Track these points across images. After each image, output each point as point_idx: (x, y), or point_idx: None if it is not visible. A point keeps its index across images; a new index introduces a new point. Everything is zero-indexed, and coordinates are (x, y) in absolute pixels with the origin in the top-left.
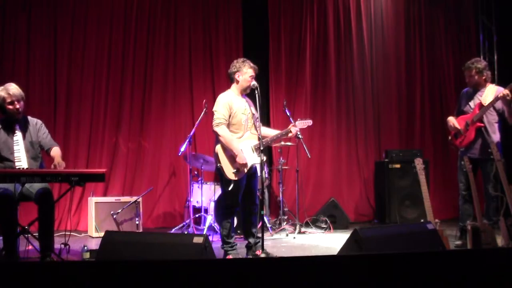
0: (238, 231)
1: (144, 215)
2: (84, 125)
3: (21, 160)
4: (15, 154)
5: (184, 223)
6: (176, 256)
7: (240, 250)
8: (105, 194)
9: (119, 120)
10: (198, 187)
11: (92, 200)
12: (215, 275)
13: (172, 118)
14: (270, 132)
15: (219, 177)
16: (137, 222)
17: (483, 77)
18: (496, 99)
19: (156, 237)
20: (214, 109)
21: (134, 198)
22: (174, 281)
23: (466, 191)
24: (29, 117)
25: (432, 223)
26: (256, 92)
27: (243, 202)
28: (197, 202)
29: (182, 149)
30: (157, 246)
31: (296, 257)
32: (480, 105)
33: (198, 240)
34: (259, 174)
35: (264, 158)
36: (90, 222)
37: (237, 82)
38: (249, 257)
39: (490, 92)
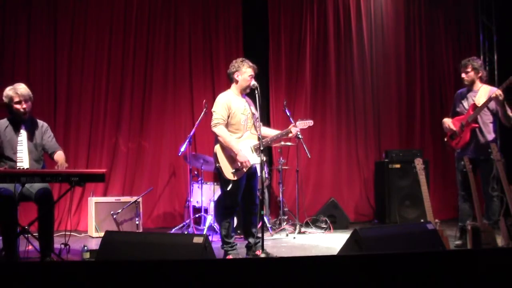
0: (238, 231)
1: (144, 215)
2: (84, 125)
3: (23, 161)
4: (18, 155)
5: (184, 223)
6: (176, 256)
7: (240, 250)
8: (105, 194)
9: (119, 120)
10: (198, 187)
11: (92, 200)
12: (215, 275)
13: (172, 118)
14: (270, 132)
15: (218, 177)
16: (137, 222)
17: (479, 75)
18: (489, 99)
19: (156, 237)
20: (212, 109)
21: (134, 198)
22: (174, 281)
23: (464, 191)
24: (37, 119)
25: (432, 223)
26: (256, 92)
27: (243, 202)
28: (197, 202)
29: (182, 149)
30: (157, 246)
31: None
32: (474, 106)
33: (198, 240)
34: (259, 174)
35: (264, 158)
36: (90, 222)
37: (236, 82)
38: (249, 257)
39: (483, 93)
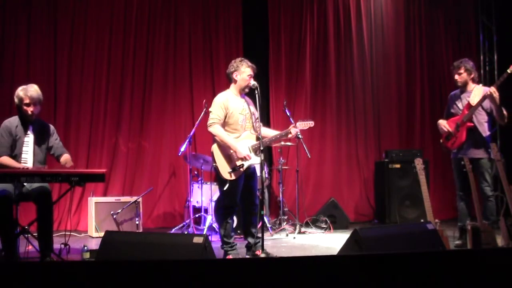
0: (238, 231)
1: (144, 215)
2: (84, 125)
3: (28, 162)
4: (23, 155)
5: (184, 223)
6: (176, 256)
7: (240, 250)
8: (105, 194)
9: (119, 120)
10: (198, 187)
11: (92, 200)
12: (215, 275)
13: (172, 118)
14: (269, 133)
15: (216, 176)
16: (137, 222)
17: (471, 76)
18: (484, 97)
19: (156, 237)
20: (210, 109)
21: (134, 198)
22: (174, 281)
23: (462, 191)
24: (44, 122)
25: (432, 223)
26: (256, 92)
27: (243, 202)
28: (197, 202)
29: (182, 149)
30: (157, 246)
31: (296, 257)
32: (469, 106)
33: (198, 240)
34: (258, 174)
35: (262, 156)
36: (90, 222)
37: (235, 81)
38: (249, 257)
39: (477, 93)
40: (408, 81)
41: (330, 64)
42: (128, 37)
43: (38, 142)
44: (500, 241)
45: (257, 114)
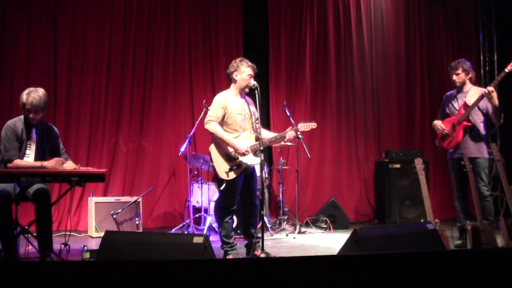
0: (238, 231)
1: (144, 215)
2: (84, 125)
3: None
4: (25, 159)
5: (184, 223)
6: (176, 256)
7: (240, 250)
8: (105, 194)
9: (119, 120)
10: (198, 187)
11: (92, 200)
12: (215, 275)
13: (172, 118)
14: (267, 135)
15: (214, 176)
16: (137, 222)
17: (469, 76)
18: (481, 97)
19: (156, 237)
20: (209, 108)
21: (134, 198)
22: (174, 281)
23: (460, 191)
24: (48, 124)
25: (432, 223)
26: (256, 92)
27: (243, 203)
28: (197, 202)
29: (182, 149)
30: (157, 246)
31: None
32: (465, 105)
33: (198, 240)
34: (258, 174)
35: (262, 157)
36: (90, 222)
37: (235, 81)
38: (249, 257)
39: (474, 93)
40: (408, 81)
41: (330, 64)
42: (128, 37)
43: (40, 145)
44: (500, 241)
45: (257, 114)
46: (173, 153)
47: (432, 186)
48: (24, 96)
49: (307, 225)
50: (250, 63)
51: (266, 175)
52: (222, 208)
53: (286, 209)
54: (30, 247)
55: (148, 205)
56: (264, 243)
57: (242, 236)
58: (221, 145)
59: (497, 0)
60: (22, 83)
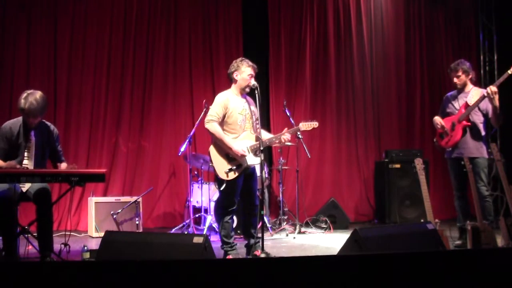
0: (238, 231)
1: (144, 215)
2: (84, 125)
3: (28, 167)
4: (24, 161)
5: (184, 223)
6: (176, 256)
7: (240, 250)
8: (105, 194)
9: (119, 120)
10: (198, 187)
11: (92, 200)
12: (215, 275)
13: (172, 118)
14: (265, 136)
15: (214, 177)
16: (137, 222)
17: (469, 77)
18: (482, 97)
19: (156, 237)
20: (210, 107)
21: (134, 198)
22: (174, 281)
23: (459, 191)
24: (48, 126)
25: (432, 223)
26: (256, 92)
27: (243, 203)
28: (197, 202)
29: (182, 149)
30: (157, 246)
31: (296, 257)
32: (466, 105)
33: (198, 240)
34: (258, 174)
35: (262, 157)
36: (90, 222)
37: (236, 81)
38: (249, 257)
39: (475, 94)
40: (408, 81)
41: (330, 64)
42: (128, 37)
43: (40, 148)
44: (500, 241)
45: (257, 114)
46: (173, 153)
47: (432, 186)
48: (21, 101)
49: (307, 225)
50: (250, 63)
51: (266, 175)
52: (222, 208)
53: (286, 209)
54: (30, 247)
55: (148, 205)
56: (264, 243)
57: (242, 236)
58: (221, 145)
59: (497, 0)
60: (22, 83)
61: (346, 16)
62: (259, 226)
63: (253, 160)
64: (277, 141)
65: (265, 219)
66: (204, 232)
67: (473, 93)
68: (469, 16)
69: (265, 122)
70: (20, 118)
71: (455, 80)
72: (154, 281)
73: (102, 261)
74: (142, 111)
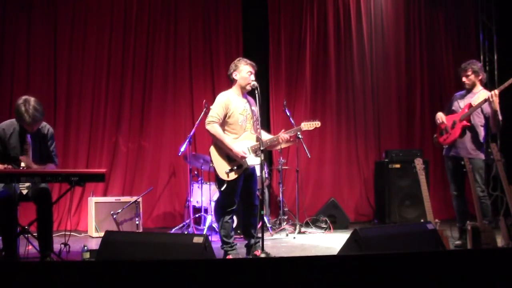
0: (238, 231)
1: (144, 215)
2: (84, 125)
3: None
4: (22, 164)
5: (184, 223)
6: (176, 256)
7: (240, 250)
8: (105, 194)
9: (119, 120)
10: (198, 187)
11: (92, 200)
12: (215, 275)
13: (172, 118)
14: (264, 137)
15: (215, 177)
16: (137, 222)
17: (479, 77)
18: (485, 100)
19: (156, 237)
20: (211, 107)
21: (134, 198)
22: (174, 281)
23: (457, 190)
24: (43, 124)
25: (432, 223)
26: (256, 92)
27: (243, 203)
28: (197, 202)
29: (182, 149)
30: (157, 246)
31: (296, 257)
32: (469, 105)
33: (198, 240)
34: (258, 174)
35: (262, 157)
36: (90, 222)
37: (236, 81)
38: (249, 257)
39: (482, 96)
40: (408, 81)
41: (330, 64)
42: (128, 37)
43: (37, 150)
44: (500, 241)
45: (258, 114)
46: (173, 153)
47: (432, 186)
48: (17, 109)
49: (307, 225)
50: (248, 61)
51: (266, 175)
52: (222, 208)
53: (286, 209)
54: (30, 247)
55: (148, 205)
56: (264, 243)
57: (242, 236)
58: (222, 146)
59: (497, 0)
60: (22, 83)
61: (346, 16)
62: (259, 226)
63: (253, 161)
64: (276, 142)
65: (265, 219)
66: (204, 232)
67: (480, 95)
68: (469, 16)
69: (265, 122)
70: (14, 121)
71: (464, 79)
72: (154, 281)
73: (102, 261)
74: (142, 111)
